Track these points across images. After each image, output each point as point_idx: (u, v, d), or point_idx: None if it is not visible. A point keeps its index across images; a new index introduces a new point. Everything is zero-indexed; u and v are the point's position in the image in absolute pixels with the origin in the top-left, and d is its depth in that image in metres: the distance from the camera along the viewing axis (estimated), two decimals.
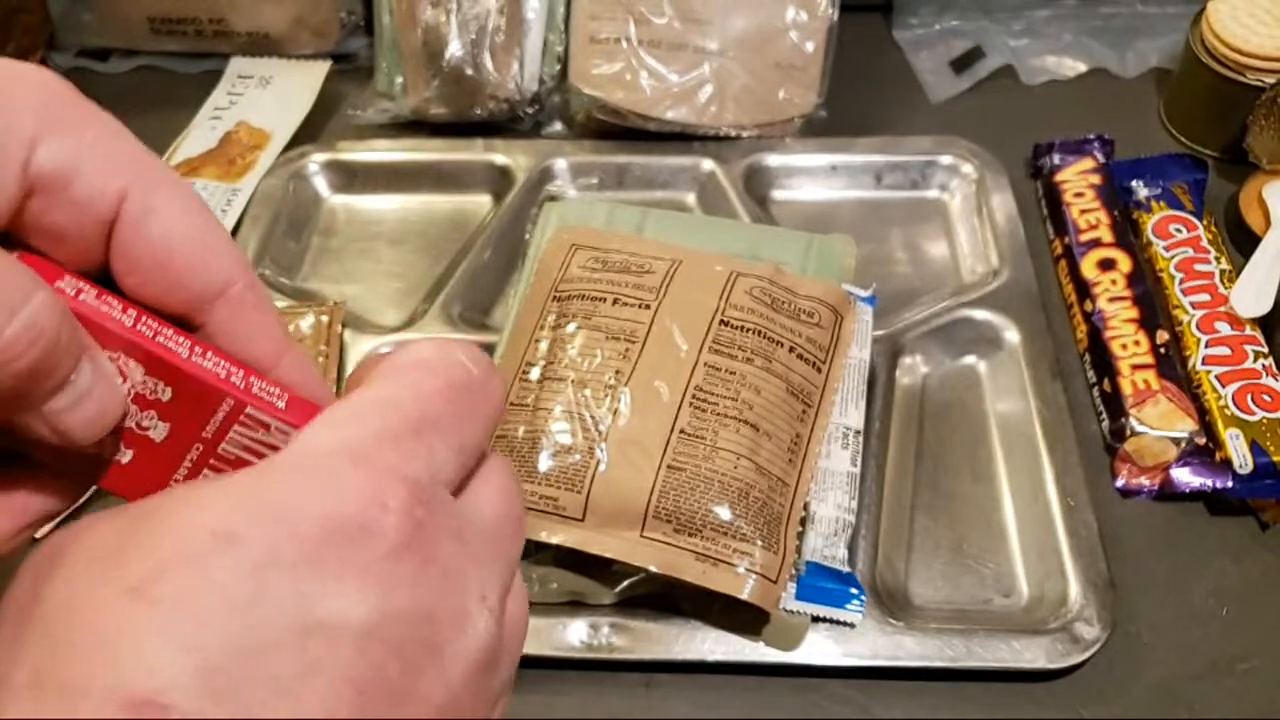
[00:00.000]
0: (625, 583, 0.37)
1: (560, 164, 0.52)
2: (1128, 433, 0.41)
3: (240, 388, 0.17)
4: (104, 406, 0.16)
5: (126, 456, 0.17)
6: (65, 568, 0.13)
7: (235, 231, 0.51)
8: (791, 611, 0.36)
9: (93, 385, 0.15)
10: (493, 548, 0.16)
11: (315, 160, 0.53)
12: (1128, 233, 0.48)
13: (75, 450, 0.16)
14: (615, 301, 0.40)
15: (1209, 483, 0.40)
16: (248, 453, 0.17)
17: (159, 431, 0.17)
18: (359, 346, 0.45)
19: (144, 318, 0.17)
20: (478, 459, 0.17)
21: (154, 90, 0.58)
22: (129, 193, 0.16)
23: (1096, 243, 0.47)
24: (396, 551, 0.14)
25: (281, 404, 0.17)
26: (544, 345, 0.40)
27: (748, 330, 0.39)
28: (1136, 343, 0.44)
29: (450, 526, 0.15)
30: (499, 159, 0.52)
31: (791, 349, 0.39)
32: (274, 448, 0.17)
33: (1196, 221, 0.48)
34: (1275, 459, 0.40)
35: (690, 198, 0.52)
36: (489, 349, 0.43)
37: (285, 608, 0.13)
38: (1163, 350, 0.43)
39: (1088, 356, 0.45)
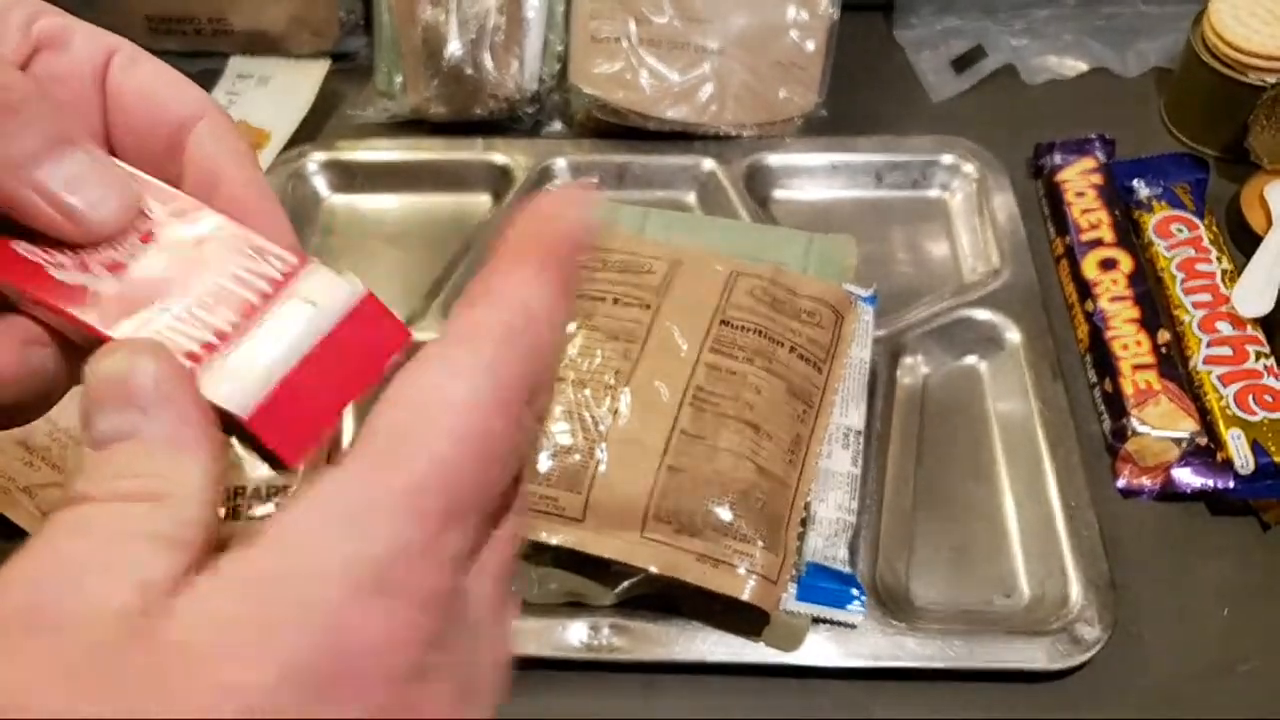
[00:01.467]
0: (625, 583, 0.37)
1: (560, 163, 0.52)
2: (1129, 433, 0.41)
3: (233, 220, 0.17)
4: (108, 191, 0.16)
5: (110, 287, 0.16)
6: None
7: None
8: (792, 612, 0.36)
9: (91, 168, 0.16)
10: (492, 635, 0.14)
11: (315, 159, 0.53)
12: (1129, 232, 0.48)
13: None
14: (616, 301, 0.40)
15: (1210, 483, 0.40)
16: (239, 286, 0.17)
17: (159, 268, 0.17)
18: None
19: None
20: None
21: None
22: (116, 50, 0.18)
23: (1098, 242, 0.47)
24: (407, 676, 0.12)
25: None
26: None
27: (748, 330, 0.39)
28: (1138, 343, 0.43)
29: (455, 637, 0.13)
30: (499, 158, 0.52)
31: (792, 349, 0.39)
32: (266, 280, 0.17)
33: (1198, 221, 0.48)
34: (1277, 459, 0.40)
35: (690, 197, 0.52)
36: None
37: None
38: (1164, 350, 0.43)
39: (1089, 356, 0.45)
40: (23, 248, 0.17)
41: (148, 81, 0.18)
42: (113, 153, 0.18)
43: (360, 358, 0.16)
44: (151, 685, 0.11)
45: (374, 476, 0.13)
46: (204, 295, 0.16)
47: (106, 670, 0.11)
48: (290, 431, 0.15)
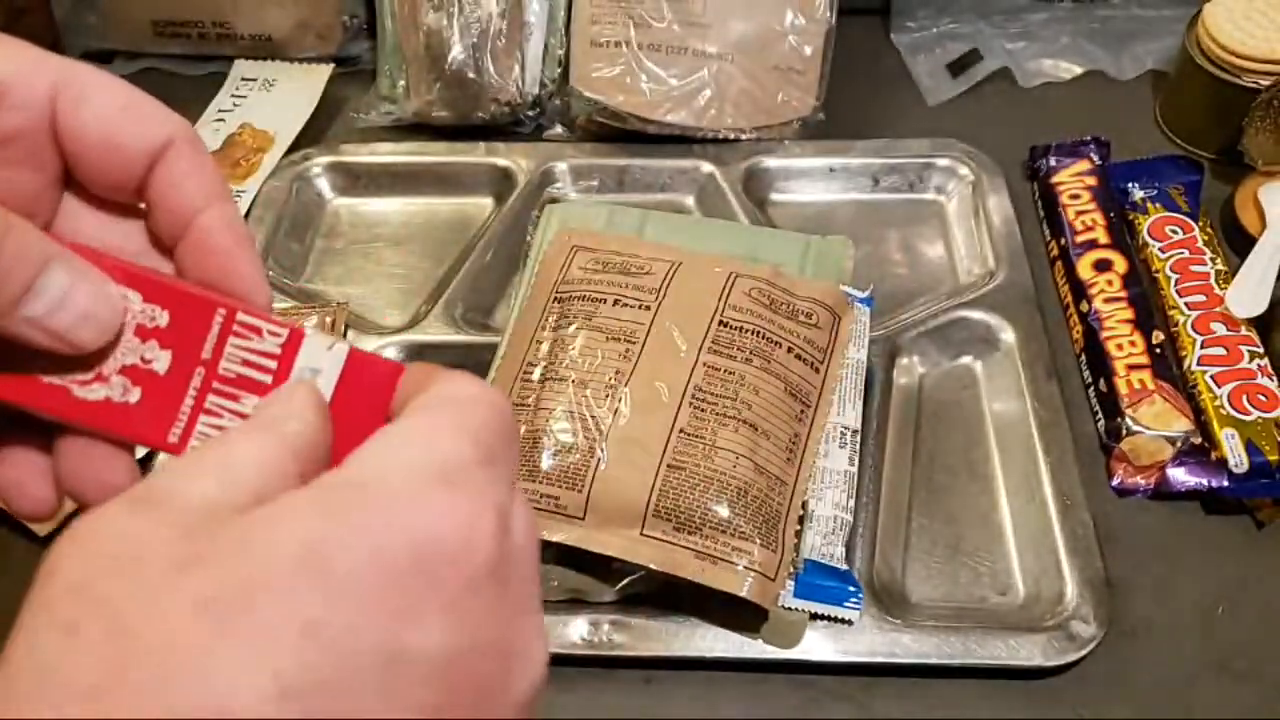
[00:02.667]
0: (625, 580, 0.37)
1: (561, 166, 0.52)
2: (1123, 432, 0.42)
3: (226, 300, 0.18)
4: (91, 306, 0.16)
5: (135, 395, 0.17)
6: (131, 569, 0.13)
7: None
8: (790, 609, 0.36)
9: (71, 287, 0.16)
10: (536, 577, 0.16)
11: (318, 162, 0.54)
12: (1124, 234, 0.48)
13: (84, 379, 0.17)
14: (616, 303, 0.41)
15: (1204, 482, 0.41)
16: (248, 368, 0.18)
17: (162, 363, 0.17)
18: (362, 348, 0.45)
19: (129, 260, 0.18)
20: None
21: (157, 93, 0.57)
22: (59, 85, 0.17)
23: (1092, 244, 0.48)
24: (479, 581, 0.14)
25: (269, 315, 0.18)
26: (545, 346, 0.41)
27: (746, 331, 0.39)
28: (1132, 343, 0.44)
29: (516, 556, 0.15)
30: (500, 161, 0.53)
31: (790, 349, 0.40)
32: (270, 358, 0.18)
33: (1192, 223, 0.48)
34: (1270, 458, 0.40)
35: (690, 200, 0.53)
36: (490, 350, 0.43)
37: (368, 638, 0.12)
38: (1158, 350, 0.43)
39: (1084, 357, 0.46)
40: (43, 373, 0.17)
41: (102, 117, 0.17)
42: (80, 191, 0.18)
43: (367, 402, 0.18)
44: (234, 539, 0.13)
45: (425, 421, 0.15)
46: (222, 386, 0.18)
47: (210, 531, 0.13)
48: None
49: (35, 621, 0.13)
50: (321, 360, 0.18)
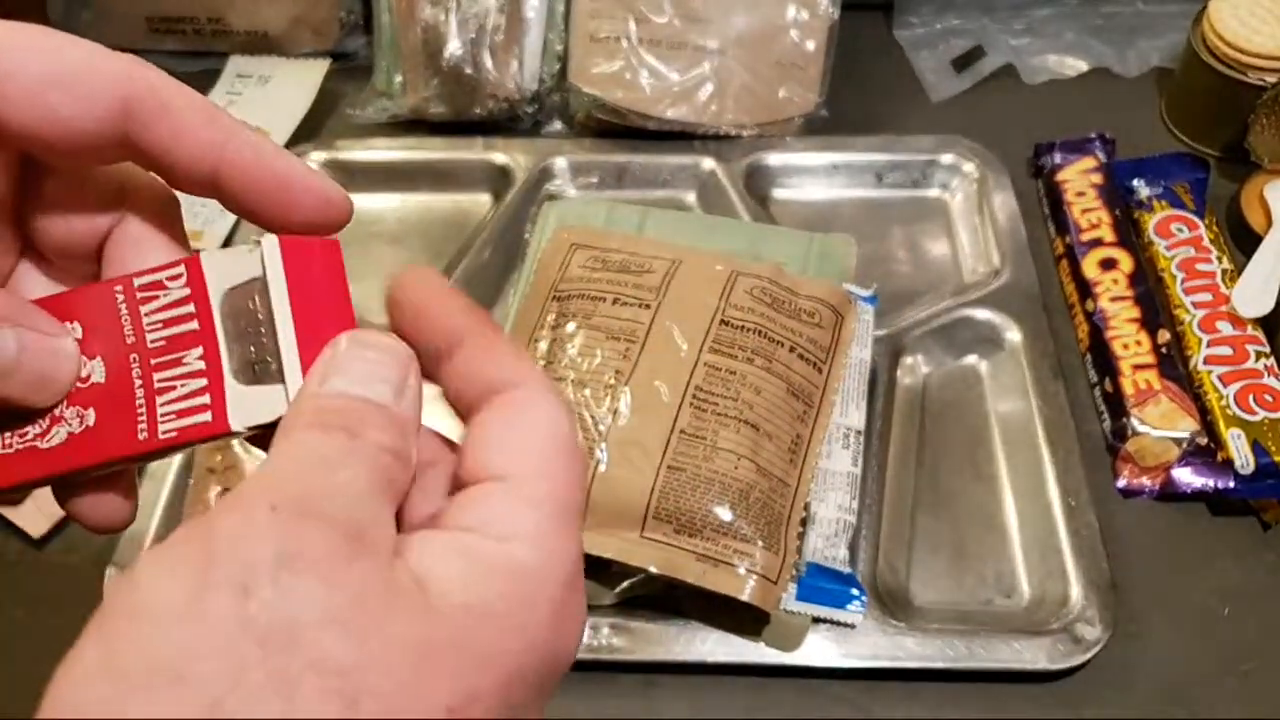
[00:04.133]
0: (625, 583, 0.37)
1: (560, 163, 0.52)
2: (1129, 433, 0.41)
3: (119, 277, 0.16)
4: (43, 367, 0.16)
5: (90, 417, 0.16)
6: (361, 634, 0.12)
7: (234, 230, 0.51)
8: (792, 612, 0.36)
9: (19, 352, 0.15)
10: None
11: (314, 159, 0.53)
12: (1129, 232, 0.48)
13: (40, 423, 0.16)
14: (615, 301, 0.40)
15: (1211, 483, 0.40)
16: (171, 327, 0.16)
17: (98, 372, 0.16)
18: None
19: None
20: None
21: None
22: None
23: (1098, 242, 0.47)
24: (559, 672, 0.15)
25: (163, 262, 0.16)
26: (543, 345, 0.40)
27: (748, 330, 0.39)
28: (1138, 342, 0.43)
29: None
30: (498, 158, 0.52)
31: (792, 349, 0.39)
32: (184, 304, 0.16)
33: (1198, 221, 0.48)
34: (1277, 459, 0.40)
35: (690, 197, 0.52)
36: None
37: None
38: (1164, 350, 0.43)
39: (1089, 356, 0.45)
40: (3, 447, 0.17)
41: (32, 102, 0.15)
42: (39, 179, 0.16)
43: (326, 290, 0.16)
44: (460, 633, 0.13)
45: (553, 493, 0.15)
46: (160, 359, 0.16)
47: (426, 607, 0.13)
48: None
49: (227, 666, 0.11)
50: (246, 268, 0.16)
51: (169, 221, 0.17)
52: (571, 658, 0.15)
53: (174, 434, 0.16)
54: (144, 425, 0.16)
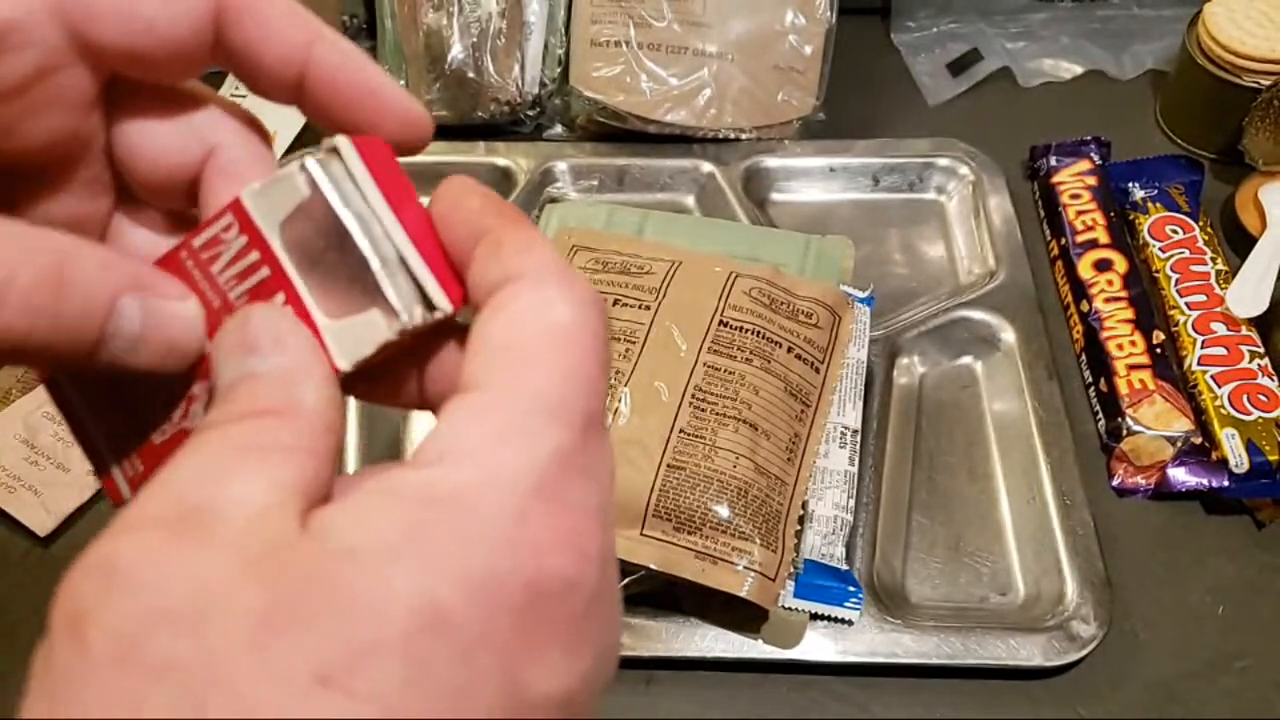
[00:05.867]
0: (625, 580, 0.37)
1: (561, 166, 0.52)
2: (1124, 432, 0.41)
3: (181, 241, 0.15)
4: (171, 335, 0.14)
5: None
6: (203, 629, 0.10)
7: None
8: (790, 609, 0.36)
9: (144, 320, 0.14)
10: (615, 555, 0.14)
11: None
12: (1124, 234, 0.48)
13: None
14: (615, 302, 0.41)
15: (1205, 482, 0.41)
16: (245, 280, 0.14)
17: (205, 344, 0.15)
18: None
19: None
20: None
21: None
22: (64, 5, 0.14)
23: (1093, 244, 0.48)
24: (590, 604, 0.12)
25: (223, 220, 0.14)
26: None
27: (747, 331, 0.39)
28: (1133, 343, 0.44)
29: (612, 558, 0.13)
30: (500, 161, 0.53)
31: (790, 349, 0.40)
32: (247, 252, 0.14)
33: (1192, 223, 0.48)
34: (1271, 458, 0.40)
35: (690, 200, 0.53)
36: None
37: (498, 691, 0.11)
38: (1159, 350, 0.43)
39: (1084, 357, 0.45)
40: (157, 434, 0.15)
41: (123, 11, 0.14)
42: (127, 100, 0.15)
43: (389, 174, 0.15)
44: (327, 585, 0.11)
45: (517, 392, 0.13)
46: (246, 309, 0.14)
47: (284, 567, 0.11)
48: (445, 279, 0.14)
49: (79, 698, 0.10)
50: (290, 195, 0.14)
51: (259, 149, 0.16)
52: (585, 602, 0.12)
53: None
54: None
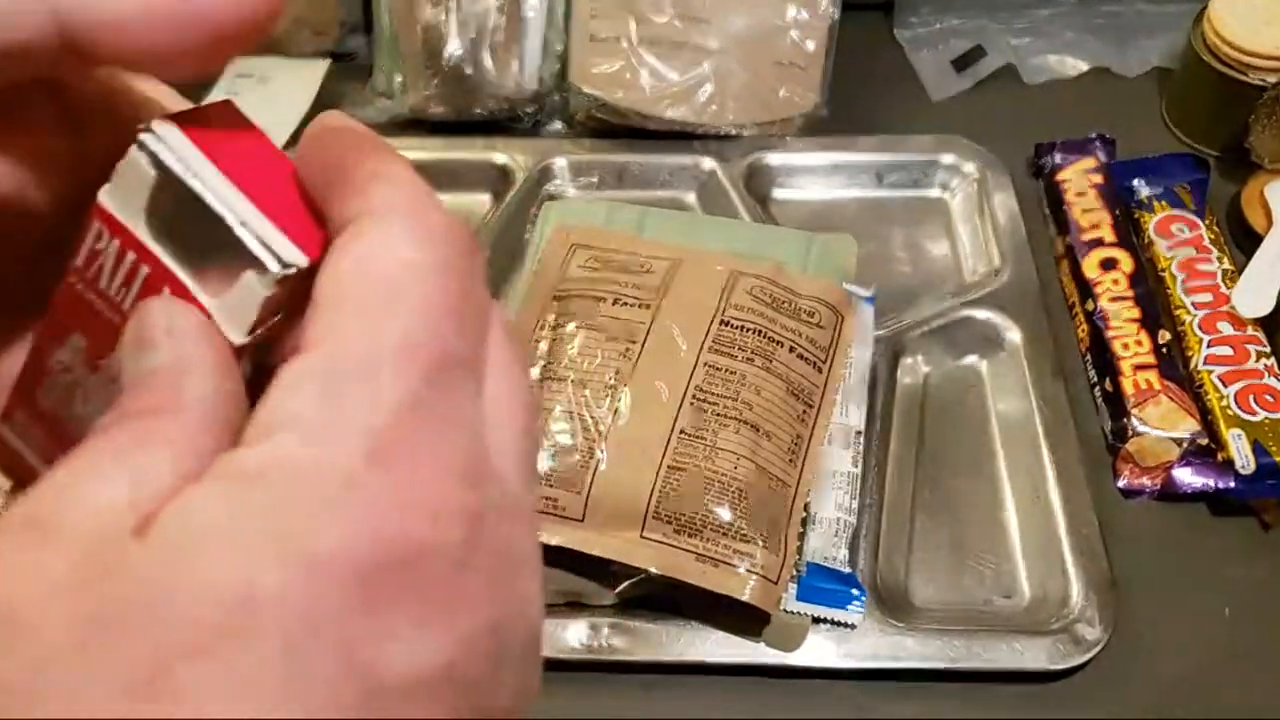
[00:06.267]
0: (625, 583, 0.37)
1: (560, 163, 0.52)
2: (1129, 433, 0.41)
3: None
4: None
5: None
6: (12, 640, 0.10)
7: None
8: (792, 612, 0.36)
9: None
10: (528, 475, 0.13)
11: None
12: (1129, 232, 0.48)
13: None
14: (615, 301, 0.40)
15: (1211, 483, 0.40)
16: (132, 286, 0.14)
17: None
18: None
19: None
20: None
21: None
22: None
23: (1098, 242, 0.47)
24: (456, 568, 0.11)
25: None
26: (543, 345, 0.40)
27: (748, 330, 0.39)
28: (1138, 342, 0.43)
29: (500, 493, 0.12)
30: (498, 158, 0.52)
31: (792, 349, 0.39)
32: (130, 259, 0.13)
33: (1198, 221, 0.48)
34: (1277, 459, 0.40)
35: (691, 197, 0.52)
36: None
37: (336, 675, 0.10)
38: (1164, 350, 0.43)
39: (1089, 356, 0.45)
40: None
41: None
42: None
43: (224, 134, 0.14)
44: (142, 587, 0.10)
45: (356, 341, 0.11)
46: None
47: (107, 571, 0.10)
48: (299, 228, 0.13)
49: None
50: (141, 180, 0.13)
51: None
52: (447, 566, 0.11)
53: None
54: None
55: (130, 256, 0.14)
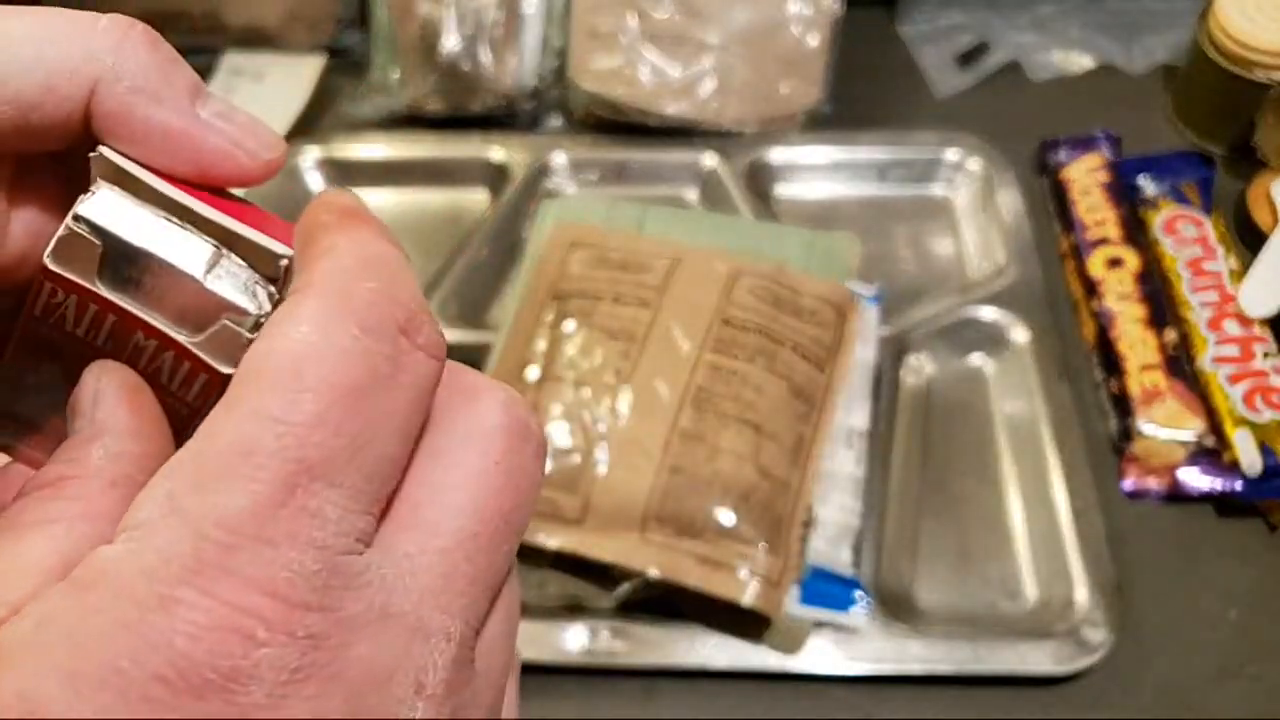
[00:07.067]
0: (625, 587, 0.36)
1: (559, 159, 0.51)
2: (1135, 434, 0.41)
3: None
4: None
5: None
6: None
7: None
8: (794, 616, 0.35)
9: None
10: (443, 586, 0.12)
11: (310, 156, 0.52)
12: (1135, 230, 0.47)
13: None
14: (615, 300, 0.40)
15: (1217, 484, 0.40)
16: (106, 337, 0.14)
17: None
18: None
19: None
20: (409, 452, 0.12)
21: None
22: None
23: (1104, 240, 0.47)
24: (279, 692, 0.10)
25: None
26: (542, 344, 0.40)
27: (750, 329, 0.38)
28: (1144, 342, 0.43)
29: (364, 608, 0.11)
30: (496, 154, 0.52)
31: (794, 348, 0.39)
32: (91, 310, 0.14)
33: (1204, 219, 0.47)
34: None
35: (692, 194, 0.52)
36: (485, 349, 0.42)
37: None
38: (1170, 350, 0.43)
39: (1095, 356, 0.45)
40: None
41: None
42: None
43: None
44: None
45: (208, 441, 0.11)
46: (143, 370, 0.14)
47: None
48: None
49: None
50: (91, 230, 0.13)
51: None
52: (265, 691, 0.10)
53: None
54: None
55: (93, 308, 0.13)
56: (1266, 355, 0.42)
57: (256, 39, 0.58)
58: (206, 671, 0.10)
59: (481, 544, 0.12)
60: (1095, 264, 0.46)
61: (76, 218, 0.13)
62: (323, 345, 0.11)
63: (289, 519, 0.11)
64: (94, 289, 0.13)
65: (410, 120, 0.54)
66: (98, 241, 0.13)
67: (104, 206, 0.13)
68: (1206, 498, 0.40)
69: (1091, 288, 0.46)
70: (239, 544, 0.10)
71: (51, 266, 0.13)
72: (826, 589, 0.36)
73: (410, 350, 0.12)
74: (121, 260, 0.13)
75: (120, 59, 0.14)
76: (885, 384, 0.43)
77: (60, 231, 0.13)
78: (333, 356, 0.11)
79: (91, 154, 0.13)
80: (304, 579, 0.11)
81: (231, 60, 0.58)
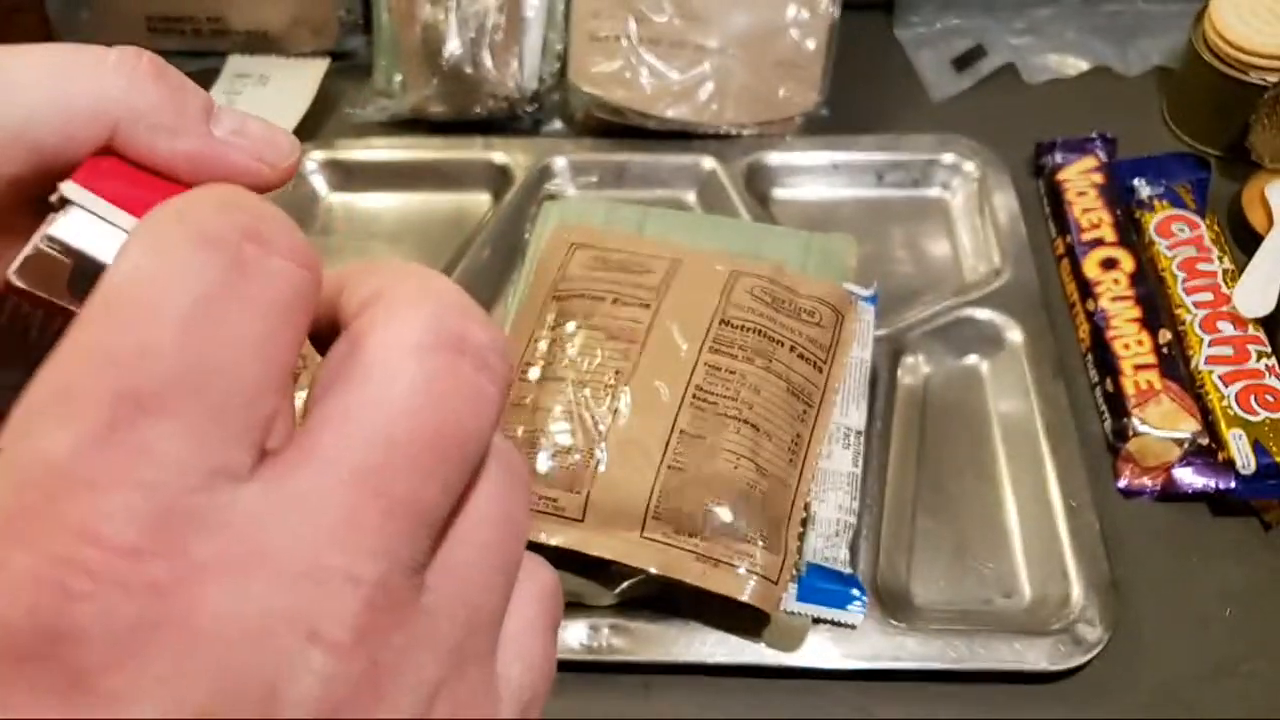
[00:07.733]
0: (625, 584, 0.37)
1: (560, 162, 0.52)
2: (1130, 433, 0.41)
3: None
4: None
5: None
6: None
7: None
8: (792, 613, 0.36)
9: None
10: (346, 523, 0.11)
11: (313, 158, 0.53)
12: (1130, 232, 0.48)
13: None
14: (615, 301, 0.40)
15: (1212, 483, 0.40)
16: None
17: None
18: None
19: None
20: (280, 375, 0.11)
21: None
22: None
23: (1099, 242, 0.47)
24: (127, 646, 0.09)
25: None
26: (543, 345, 0.40)
27: (748, 330, 0.39)
28: (1139, 342, 0.43)
29: (221, 552, 0.10)
30: (498, 157, 0.52)
31: (792, 348, 0.39)
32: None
33: (1199, 220, 0.48)
34: (1278, 459, 0.40)
35: (691, 196, 0.52)
36: None
37: None
38: (1165, 350, 0.43)
39: (1090, 356, 0.45)
40: None
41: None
42: None
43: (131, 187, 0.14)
44: None
45: (26, 394, 0.10)
46: None
47: None
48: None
49: None
50: (60, 250, 0.13)
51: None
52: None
53: None
54: None
55: (60, 321, 0.13)
56: (1261, 356, 0.42)
57: (261, 43, 0.59)
58: (28, 632, 0.09)
59: (398, 474, 0.11)
60: (1090, 265, 0.47)
61: (48, 239, 0.13)
62: (151, 269, 0.10)
63: (112, 457, 0.10)
64: (63, 305, 0.13)
65: (413, 123, 0.54)
66: (68, 261, 0.13)
67: (75, 225, 0.13)
68: (1201, 496, 0.41)
69: (1087, 289, 0.46)
70: (58, 488, 0.09)
71: (17, 282, 0.13)
72: (824, 586, 0.36)
73: (261, 258, 0.11)
74: (93, 280, 0.13)
75: (134, 97, 0.14)
76: (882, 384, 0.43)
77: (26, 250, 0.13)
78: (162, 278, 0.10)
79: (61, 183, 0.13)
80: (133, 522, 0.09)
81: (236, 64, 0.59)
